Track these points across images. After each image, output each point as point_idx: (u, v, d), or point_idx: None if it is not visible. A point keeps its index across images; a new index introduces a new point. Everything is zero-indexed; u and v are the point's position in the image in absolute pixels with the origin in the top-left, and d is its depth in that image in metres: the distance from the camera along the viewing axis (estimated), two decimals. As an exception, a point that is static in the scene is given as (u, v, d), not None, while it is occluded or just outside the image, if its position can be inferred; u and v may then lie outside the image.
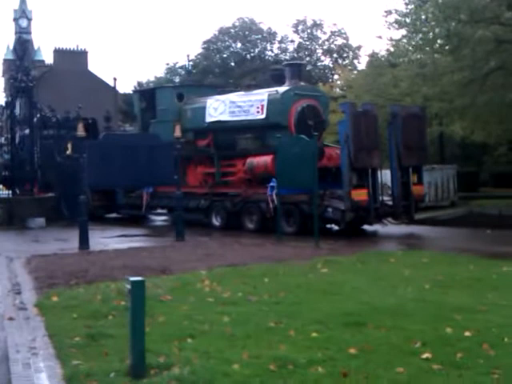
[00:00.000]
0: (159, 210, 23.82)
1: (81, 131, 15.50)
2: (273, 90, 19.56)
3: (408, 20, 24.73)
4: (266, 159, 18.48)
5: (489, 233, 18.12)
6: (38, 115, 23.05)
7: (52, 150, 23.01)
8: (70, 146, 21.46)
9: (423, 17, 24.71)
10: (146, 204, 22.10)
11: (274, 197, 17.36)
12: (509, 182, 33.64)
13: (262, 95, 19.57)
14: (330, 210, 17.33)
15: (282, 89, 19.37)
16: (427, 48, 24.28)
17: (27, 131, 22.95)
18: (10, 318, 7.82)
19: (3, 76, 57.41)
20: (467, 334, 6.59)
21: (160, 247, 15.12)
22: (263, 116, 19.13)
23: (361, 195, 17.08)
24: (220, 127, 20.44)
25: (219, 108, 20.57)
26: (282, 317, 7.47)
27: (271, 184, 17.66)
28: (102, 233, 18.72)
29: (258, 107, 19.30)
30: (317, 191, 15.63)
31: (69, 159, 21.26)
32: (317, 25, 59.62)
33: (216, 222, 20.17)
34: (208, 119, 20.80)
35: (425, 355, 5.91)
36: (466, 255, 12.88)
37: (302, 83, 20.34)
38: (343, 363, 5.72)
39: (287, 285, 9.58)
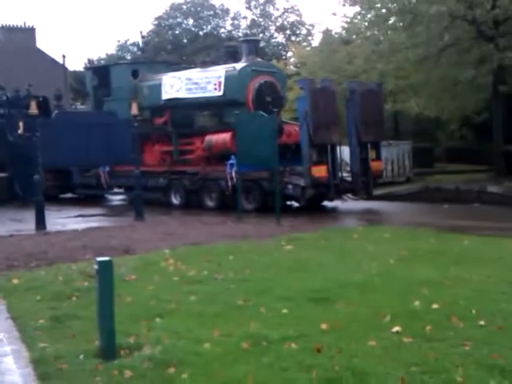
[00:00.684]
0: (116, 190, 23.47)
1: (33, 109, 15.04)
2: (230, 66, 19.31)
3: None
4: (225, 136, 18.33)
5: (446, 207, 18.41)
6: None
7: (4, 129, 22.33)
8: (21, 124, 20.86)
9: None
10: (105, 182, 21.70)
11: (234, 174, 17.22)
12: (461, 156, 34.22)
13: (219, 71, 19.33)
14: (290, 186, 17.32)
15: (239, 65, 19.17)
16: (381, 25, 24.30)
17: None
18: (-31, 303, 7.57)
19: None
20: (435, 306, 6.65)
21: (119, 227, 14.87)
22: (221, 93, 18.89)
23: (320, 171, 17.06)
24: (177, 104, 20.15)
25: (175, 85, 20.24)
26: (250, 294, 7.42)
27: (230, 161, 17.54)
28: (58, 213, 18.33)
29: (215, 84, 19.05)
30: (277, 168, 15.58)
31: (21, 138, 20.68)
32: (269, 1, 59.26)
33: (175, 200, 19.97)
34: (164, 96, 20.45)
35: (395, 329, 5.94)
36: (426, 229, 13.04)
37: (259, 59, 20.17)
38: (316, 339, 5.71)
39: (252, 262, 9.54)
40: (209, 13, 59.49)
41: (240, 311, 6.74)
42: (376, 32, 27.18)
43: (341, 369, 4.93)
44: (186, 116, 19.92)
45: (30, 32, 53.18)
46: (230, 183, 17.69)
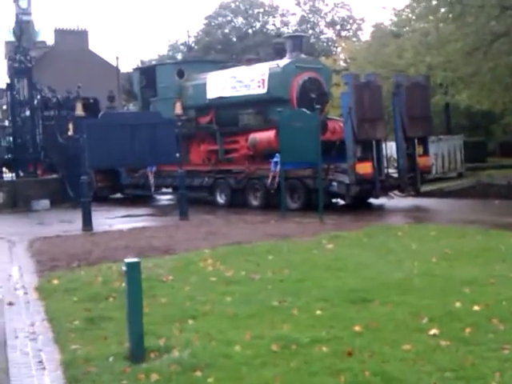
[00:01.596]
0: (164, 190, 23.62)
1: (79, 111, 15.26)
2: (274, 63, 19.13)
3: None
4: (269, 134, 18.21)
5: (497, 203, 17.88)
6: (39, 96, 22.77)
7: (54, 131, 22.79)
8: (71, 126, 21.27)
9: None
10: (152, 182, 21.85)
11: (277, 172, 17.08)
12: (517, 151, 33.27)
13: (262, 69, 19.15)
14: (334, 184, 17.07)
15: (282, 62, 18.97)
16: (431, 17, 23.77)
17: (28, 113, 22.72)
18: (10, 303, 7.69)
19: (5, 58, 57.06)
20: (476, 308, 6.41)
21: (164, 227, 14.94)
22: (264, 90, 18.75)
23: (365, 168, 16.74)
24: (221, 103, 20.08)
25: (220, 84, 20.18)
26: (286, 295, 7.31)
27: (275, 160, 17.41)
28: (106, 213, 18.57)
29: (259, 81, 18.91)
30: (321, 165, 15.40)
31: (70, 140, 21.07)
32: (319, -3, 58.87)
33: (220, 199, 19.95)
34: (209, 95, 20.41)
35: (432, 331, 5.75)
36: (474, 227, 12.67)
37: (303, 56, 19.88)
38: (348, 341, 5.57)
39: (291, 262, 9.41)
40: (258, 10, 59.52)
41: (274, 312, 6.64)
42: (425, 24, 26.63)
43: (371, 374, 4.79)
44: (230, 114, 19.81)
45: (83, 34, 54.23)
46: (273, 181, 17.53)
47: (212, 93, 20.30)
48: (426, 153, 18.93)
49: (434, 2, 23.92)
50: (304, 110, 16.07)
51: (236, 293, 7.54)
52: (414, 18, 27.47)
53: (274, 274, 8.51)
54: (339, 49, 53.67)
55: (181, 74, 21.79)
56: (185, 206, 16.51)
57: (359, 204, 17.82)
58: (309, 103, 17.47)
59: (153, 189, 21.80)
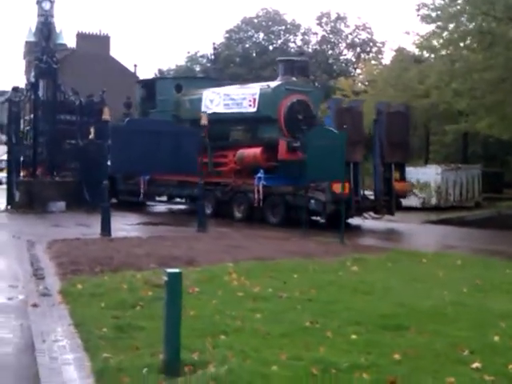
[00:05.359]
0: (158, 198, 24.50)
1: (106, 115, 15.18)
2: (265, 84, 20.48)
3: (439, 14, 24.13)
4: (255, 151, 19.06)
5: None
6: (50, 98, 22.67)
7: (65, 134, 22.74)
8: (92, 130, 21.25)
9: (453, 10, 24.04)
10: (143, 191, 22.37)
11: (261, 187, 18.34)
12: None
13: (254, 89, 20.34)
14: (312, 201, 17.90)
15: (273, 83, 20.28)
16: (461, 44, 23.69)
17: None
18: (34, 305, 7.56)
19: (24, 58, 57.26)
20: (516, 343, 6.23)
21: (182, 237, 14.79)
22: (255, 109, 19.72)
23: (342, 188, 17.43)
24: (215, 119, 20.54)
25: (215, 100, 21.32)
26: (316, 316, 7.13)
27: (259, 175, 18.53)
28: (121, 219, 18.46)
29: (250, 100, 19.94)
30: (343, 182, 15.87)
31: (91, 144, 21.04)
32: (341, 18, 58.99)
33: (207, 209, 20.37)
34: (204, 110, 21.07)
35: (474, 364, 5.55)
36: (500, 258, 12.47)
37: (294, 79, 20.70)
38: (388, 369, 5.39)
39: (318, 282, 9.24)
40: (280, 27, 59.68)
41: (307, 333, 6.47)
42: (449, 51, 26.49)
43: (417, 405, 4.61)
44: (222, 130, 20.58)
45: (104, 40, 54.55)
46: (257, 196, 18.43)
47: (207, 108, 21.25)
48: (402, 178, 19.91)
49: (461, 30, 23.86)
50: (332, 128, 16.14)
51: (265, 310, 7.38)
52: (437, 44, 27.31)
53: (302, 294, 8.34)
54: (358, 70, 53.86)
55: (179, 89, 23.15)
56: (203, 218, 16.39)
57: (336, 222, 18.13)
58: (296, 124, 18.91)
59: (141, 196, 22.35)
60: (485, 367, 5.50)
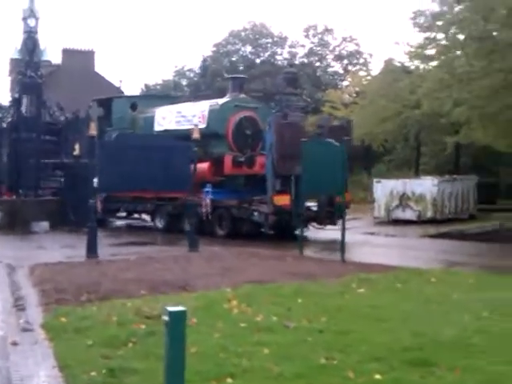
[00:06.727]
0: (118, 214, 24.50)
1: (93, 130, 14.40)
2: (214, 101, 21.20)
3: (436, 22, 23.62)
4: (204, 166, 19.29)
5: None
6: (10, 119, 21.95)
7: (30, 152, 21.85)
8: (77, 147, 20.41)
9: (452, 16, 23.48)
10: (101, 208, 21.88)
11: (208, 201, 18.75)
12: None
13: (204, 106, 21.08)
14: (255, 213, 18.66)
15: (221, 100, 21.07)
16: (458, 52, 23.08)
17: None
18: (14, 343, 6.74)
19: (9, 76, 56.37)
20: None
21: (173, 258, 13.91)
22: (204, 125, 20.04)
23: (283, 200, 18.14)
24: (167, 135, 20.91)
25: (167, 117, 21.94)
26: (331, 350, 6.38)
27: (206, 189, 18.96)
28: (105, 239, 17.50)
29: (199, 117, 20.52)
30: (343, 194, 15.70)
31: (76, 160, 20.23)
32: (328, 30, 58.61)
33: (159, 224, 21.48)
34: (157, 128, 22.06)
35: (521, 409, 4.84)
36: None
37: (243, 96, 21.51)
38: (424, 418, 4.65)
39: (325, 308, 8.48)
40: (267, 40, 59.22)
41: (325, 373, 5.70)
42: (445, 58, 25.84)
43: None
44: None
45: (89, 55, 53.88)
46: (205, 209, 18.66)
47: (159, 125, 21.99)
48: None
49: (461, 37, 23.31)
50: (331, 141, 15.49)
51: (272, 344, 6.61)
52: (434, 53, 26.74)
53: (310, 323, 7.59)
54: (345, 82, 53.36)
55: (134, 107, 23.60)
56: (194, 237, 15.60)
57: (283, 235, 18.90)
58: (244, 139, 19.98)
59: (100, 212, 21.91)
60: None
